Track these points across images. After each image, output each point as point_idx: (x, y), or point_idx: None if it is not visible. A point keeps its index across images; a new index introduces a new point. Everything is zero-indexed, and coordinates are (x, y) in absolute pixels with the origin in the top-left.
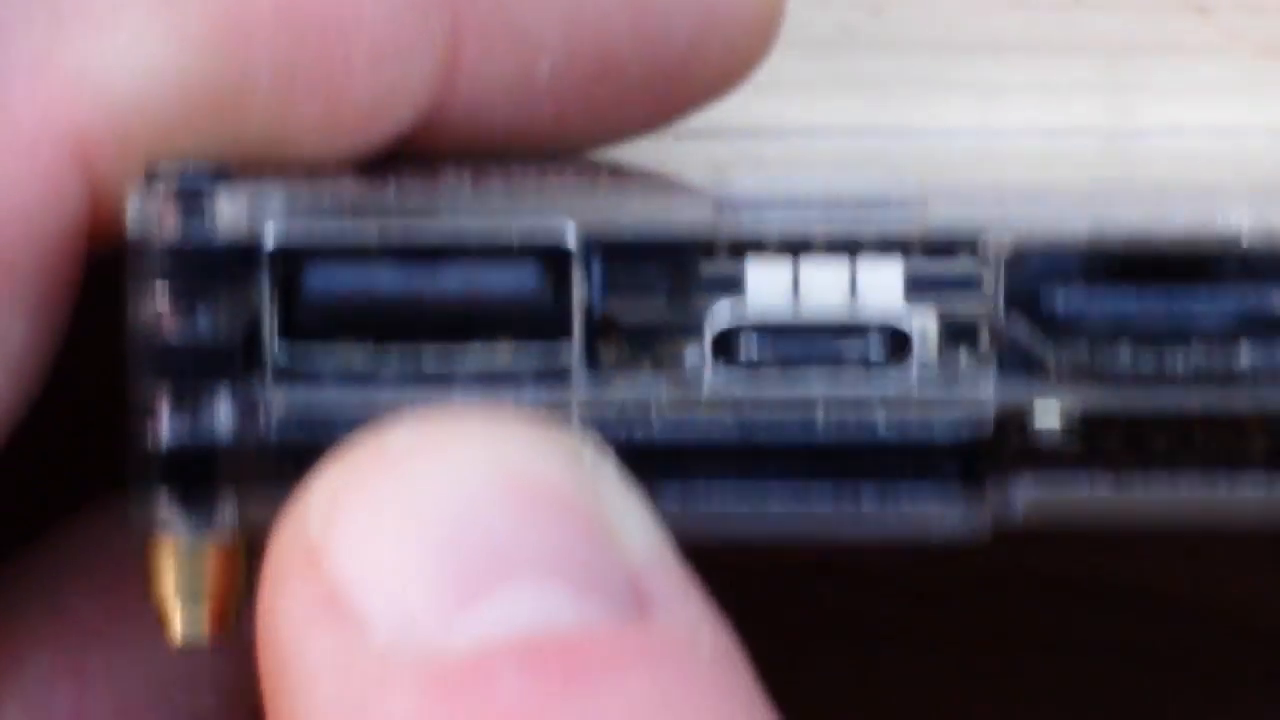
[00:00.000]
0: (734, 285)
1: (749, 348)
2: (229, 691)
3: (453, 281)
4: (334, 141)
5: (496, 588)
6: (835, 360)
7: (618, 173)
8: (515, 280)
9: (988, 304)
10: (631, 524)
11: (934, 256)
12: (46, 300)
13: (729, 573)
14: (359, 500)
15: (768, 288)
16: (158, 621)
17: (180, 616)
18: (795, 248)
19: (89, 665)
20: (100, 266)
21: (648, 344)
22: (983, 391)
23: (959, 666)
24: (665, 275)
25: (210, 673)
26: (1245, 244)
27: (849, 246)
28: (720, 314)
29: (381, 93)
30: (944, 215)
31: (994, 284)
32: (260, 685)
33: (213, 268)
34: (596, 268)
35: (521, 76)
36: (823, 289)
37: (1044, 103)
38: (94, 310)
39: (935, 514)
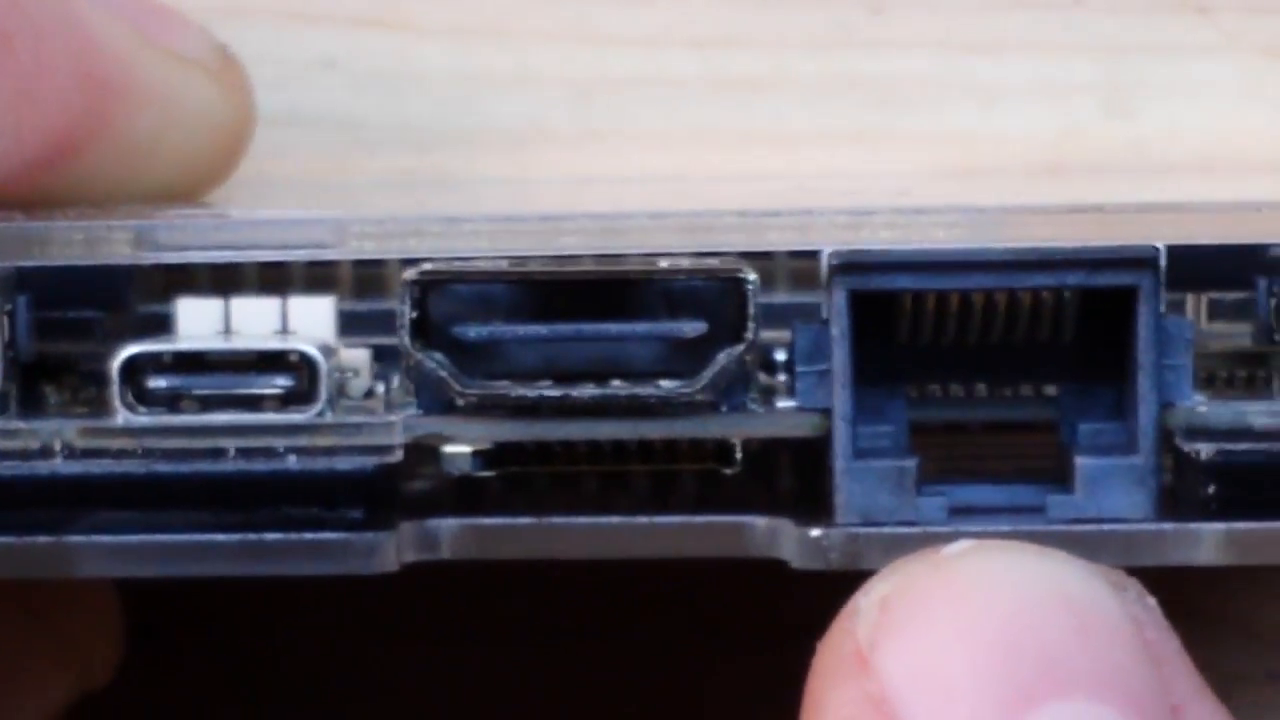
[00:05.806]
0: (163, 321)
1: (159, 382)
2: None
3: None
4: None
5: (1047, 700)
6: (248, 394)
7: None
8: None
9: (403, 337)
10: (1175, 658)
11: (361, 295)
12: None
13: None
14: (911, 607)
15: (195, 322)
16: None
17: None
18: (225, 286)
19: None
20: None
21: (75, 381)
22: (392, 424)
23: None
24: (96, 311)
25: None
26: (660, 276)
27: (279, 286)
28: (134, 350)
29: None
30: (370, 249)
31: (405, 316)
32: None
33: None
34: (22, 305)
35: None
36: (252, 325)
37: (1044, 103)
38: None
39: (343, 546)
